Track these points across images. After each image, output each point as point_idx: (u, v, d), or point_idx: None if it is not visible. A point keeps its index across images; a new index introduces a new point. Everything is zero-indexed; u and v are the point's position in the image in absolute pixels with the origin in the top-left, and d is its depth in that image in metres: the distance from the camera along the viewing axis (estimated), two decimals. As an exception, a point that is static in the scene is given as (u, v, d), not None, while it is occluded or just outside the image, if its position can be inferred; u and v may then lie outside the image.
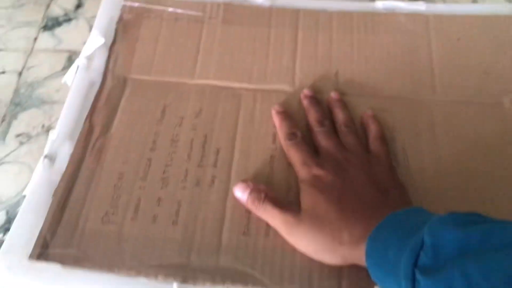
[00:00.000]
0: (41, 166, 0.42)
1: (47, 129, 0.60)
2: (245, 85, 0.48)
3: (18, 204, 0.44)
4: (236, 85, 0.48)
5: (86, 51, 0.50)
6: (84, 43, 0.51)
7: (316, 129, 0.44)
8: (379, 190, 0.39)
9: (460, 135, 0.44)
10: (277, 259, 0.38)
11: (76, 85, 0.48)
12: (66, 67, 0.62)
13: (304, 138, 0.43)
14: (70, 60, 0.66)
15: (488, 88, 0.47)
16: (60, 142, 0.44)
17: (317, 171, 0.40)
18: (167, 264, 0.37)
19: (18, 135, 0.71)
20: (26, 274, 0.37)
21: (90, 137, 0.44)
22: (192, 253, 0.38)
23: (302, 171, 0.41)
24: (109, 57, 0.50)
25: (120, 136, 0.45)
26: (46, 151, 0.43)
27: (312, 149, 0.43)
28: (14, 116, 0.73)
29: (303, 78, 0.48)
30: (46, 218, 0.39)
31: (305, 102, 0.46)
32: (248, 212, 0.40)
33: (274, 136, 0.45)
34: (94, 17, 0.55)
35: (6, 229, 0.42)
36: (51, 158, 0.42)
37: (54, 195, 0.41)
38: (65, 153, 0.43)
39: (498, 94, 0.47)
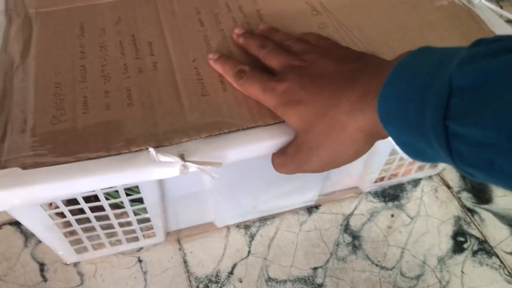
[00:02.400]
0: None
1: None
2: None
3: None
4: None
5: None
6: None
7: (261, 53, 0.40)
8: (352, 61, 0.35)
9: None
10: (242, 104, 0.38)
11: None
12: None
13: (253, 69, 0.39)
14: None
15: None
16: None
17: (282, 87, 0.36)
18: (135, 136, 0.36)
19: None
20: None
21: (12, 66, 0.41)
22: (158, 121, 0.37)
23: (269, 98, 0.36)
24: (6, -1, 0.47)
25: (43, 56, 0.42)
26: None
27: (266, 74, 0.38)
28: None
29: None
30: None
31: (241, 40, 0.43)
32: (201, 78, 0.40)
33: (201, 21, 0.45)
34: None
35: None
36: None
37: None
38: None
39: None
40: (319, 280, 0.51)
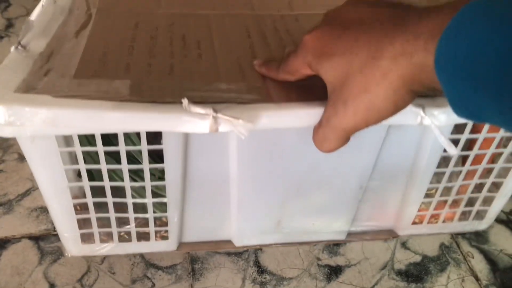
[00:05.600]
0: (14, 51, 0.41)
1: None
2: (210, 11, 0.52)
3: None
4: (201, 12, 0.51)
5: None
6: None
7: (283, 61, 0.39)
8: (390, 5, 0.31)
9: None
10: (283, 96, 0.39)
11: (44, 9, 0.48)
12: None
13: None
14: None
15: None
16: (34, 36, 0.43)
17: (312, 39, 0.33)
18: (171, 93, 0.37)
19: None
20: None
21: (66, 37, 0.44)
22: (195, 87, 0.39)
23: (303, 56, 0.34)
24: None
25: (96, 35, 0.45)
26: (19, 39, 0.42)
27: None
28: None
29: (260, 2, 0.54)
30: (29, 73, 0.38)
31: (263, 70, 0.42)
32: (243, 70, 0.42)
33: (248, 32, 0.48)
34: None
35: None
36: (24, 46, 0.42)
37: (34, 64, 0.40)
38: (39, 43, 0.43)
39: None
40: None
